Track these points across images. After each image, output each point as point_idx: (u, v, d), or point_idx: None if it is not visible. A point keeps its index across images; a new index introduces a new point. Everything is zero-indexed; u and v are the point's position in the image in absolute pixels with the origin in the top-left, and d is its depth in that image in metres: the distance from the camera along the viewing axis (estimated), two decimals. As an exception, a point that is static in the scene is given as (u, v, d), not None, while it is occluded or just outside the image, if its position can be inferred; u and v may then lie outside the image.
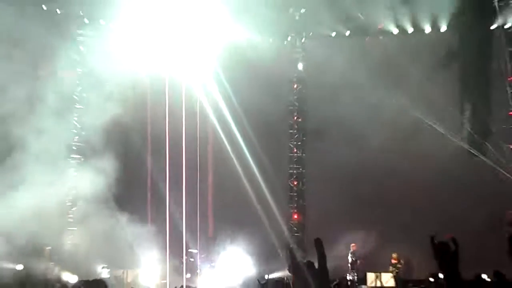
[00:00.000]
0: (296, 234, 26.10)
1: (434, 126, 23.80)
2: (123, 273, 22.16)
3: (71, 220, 23.97)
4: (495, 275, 10.76)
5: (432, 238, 6.05)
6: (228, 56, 23.27)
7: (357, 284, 22.62)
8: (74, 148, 25.33)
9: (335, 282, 18.04)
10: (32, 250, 21.48)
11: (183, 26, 20.09)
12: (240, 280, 21.12)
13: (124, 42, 22.37)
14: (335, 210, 24.16)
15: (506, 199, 22.98)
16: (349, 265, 23.27)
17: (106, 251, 22.16)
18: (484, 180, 23.01)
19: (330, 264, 15.41)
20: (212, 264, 22.19)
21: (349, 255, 23.31)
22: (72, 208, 24.25)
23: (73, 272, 21.31)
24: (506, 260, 13.82)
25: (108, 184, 22.98)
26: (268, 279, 19.71)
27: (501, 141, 23.86)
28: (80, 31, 25.20)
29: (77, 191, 24.29)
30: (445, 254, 5.63)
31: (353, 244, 23.29)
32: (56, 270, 21.82)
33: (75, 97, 25.09)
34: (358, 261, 23.31)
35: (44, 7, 24.32)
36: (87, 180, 23.83)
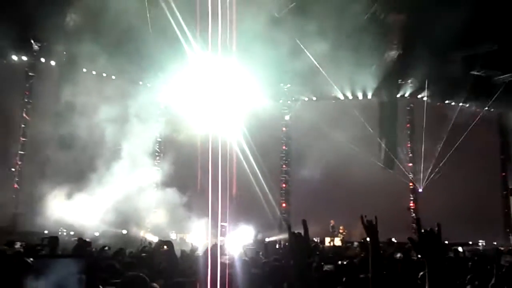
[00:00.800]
0: (283, 215, 26.85)
1: (365, 154, 24.57)
2: (183, 236, 22.54)
3: (153, 200, 24.02)
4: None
5: (362, 218, 4.75)
6: (246, 111, 23.20)
7: (321, 245, 22.25)
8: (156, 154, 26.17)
9: (312, 244, 17.56)
10: (132, 221, 22.43)
11: (222, 97, 19.80)
12: (251, 240, 20.92)
13: (188, 109, 22.32)
14: (308, 202, 24.59)
15: (401, 193, 25.53)
16: (331, 232, 23.87)
17: (173, 222, 22.83)
18: (390, 182, 24.95)
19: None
20: (235, 231, 21.07)
21: (330, 227, 23.91)
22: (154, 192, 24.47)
23: (155, 235, 20.91)
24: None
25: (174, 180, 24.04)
26: (268, 241, 20.74)
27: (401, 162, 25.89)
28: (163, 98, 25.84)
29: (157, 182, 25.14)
30: (369, 227, 4.23)
31: (332, 220, 23.97)
32: (145, 234, 22.11)
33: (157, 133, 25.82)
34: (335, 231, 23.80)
35: (140, 83, 25.32)
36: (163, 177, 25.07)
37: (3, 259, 3.23)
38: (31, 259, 3.58)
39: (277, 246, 19.65)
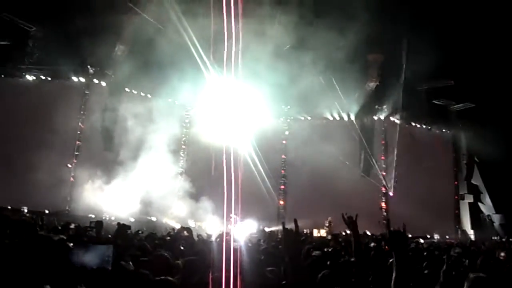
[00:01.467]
0: (281, 211, 26.27)
1: (347, 163, 24.45)
2: (200, 224, 21.79)
3: (178, 193, 24.04)
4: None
5: (343, 215, 4.82)
6: (254, 126, 22.80)
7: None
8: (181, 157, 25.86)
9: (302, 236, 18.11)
10: (159, 210, 22.21)
11: (235, 114, 17.47)
12: (254, 230, 20.81)
13: (206, 122, 22.40)
14: (302, 201, 24.61)
15: (375, 195, 25.18)
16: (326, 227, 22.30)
17: (192, 212, 22.47)
18: (367, 186, 24.78)
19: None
20: (242, 222, 19.87)
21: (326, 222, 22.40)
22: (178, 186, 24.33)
23: (177, 222, 21.05)
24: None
25: (194, 179, 23.90)
26: (269, 231, 20.52)
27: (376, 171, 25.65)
28: (187, 113, 26.30)
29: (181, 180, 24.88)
30: (350, 222, 4.43)
31: (330, 218, 22.27)
32: (170, 221, 21.98)
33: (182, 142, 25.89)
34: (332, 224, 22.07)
35: (170, 100, 24.78)
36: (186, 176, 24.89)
37: (49, 244, 3.19)
38: (72, 244, 3.59)
39: (279, 235, 19.34)
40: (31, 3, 20.41)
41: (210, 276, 3.53)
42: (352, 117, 26.10)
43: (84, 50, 20.50)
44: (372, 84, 24.89)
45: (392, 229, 3.14)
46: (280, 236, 14.94)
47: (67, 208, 21.32)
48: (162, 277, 3.45)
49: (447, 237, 23.21)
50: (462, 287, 3.51)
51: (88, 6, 19.14)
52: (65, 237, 3.66)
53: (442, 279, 4.45)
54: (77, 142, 22.39)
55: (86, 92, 22.95)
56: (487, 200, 25.46)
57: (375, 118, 25.93)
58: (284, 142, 27.25)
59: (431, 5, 19.80)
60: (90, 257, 3.56)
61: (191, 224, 21.41)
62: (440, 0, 19.85)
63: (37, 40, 22.64)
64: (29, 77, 22.45)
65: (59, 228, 9.53)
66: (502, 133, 21.23)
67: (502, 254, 7.56)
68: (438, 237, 22.82)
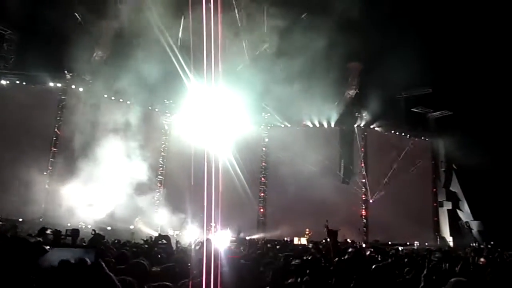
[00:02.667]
0: (261, 218, 26.19)
1: (327, 170, 24.72)
2: (180, 232, 21.26)
3: (157, 201, 24.14)
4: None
5: (326, 226, 5.24)
6: (235, 134, 22.89)
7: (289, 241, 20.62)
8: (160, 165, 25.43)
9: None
10: (137, 218, 21.80)
11: (215, 122, 18.83)
12: (233, 238, 19.60)
13: (187, 127, 22.17)
14: (281, 208, 24.84)
15: (355, 202, 25.32)
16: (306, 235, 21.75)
17: (171, 220, 22.41)
18: (347, 193, 24.93)
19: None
20: (222, 230, 19.00)
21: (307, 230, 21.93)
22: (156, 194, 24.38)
23: (156, 231, 20.49)
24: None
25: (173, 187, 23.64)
26: (249, 239, 19.65)
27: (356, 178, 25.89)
28: (166, 121, 25.84)
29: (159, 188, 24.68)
30: (331, 233, 4.79)
31: (308, 229, 21.97)
32: (148, 230, 21.26)
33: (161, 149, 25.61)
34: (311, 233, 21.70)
35: (150, 108, 24.93)
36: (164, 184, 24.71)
37: (25, 246, 3.10)
38: (48, 247, 3.46)
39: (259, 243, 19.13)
40: (5, 6, 19.92)
41: (191, 282, 3.45)
42: (332, 124, 26.34)
43: (61, 55, 20.18)
44: (351, 92, 25.22)
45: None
46: (259, 244, 15.02)
47: (41, 216, 20.71)
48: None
49: (426, 244, 23.45)
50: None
51: (66, 10, 19.05)
52: (41, 240, 3.53)
53: (423, 283, 4.51)
54: (53, 149, 21.91)
55: (63, 97, 22.52)
56: (465, 207, 25.81)
57: (355, 125, 26.15)
58: (264, 149, 27.28)
59: (410, 15, 20.25)
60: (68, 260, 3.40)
61: (170, 232, 20.51)
62: (419, 10, 20.31)
63: (13, 44, 22.20)
64: (3, 82, 21.85)
65: (33, 235, 9.24)
66: (479, 140, 21.59)
67: (482, 259, 7.64)
68: (418, 244, 23.03)
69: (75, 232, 7.94)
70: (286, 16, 21.25)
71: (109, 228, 19.49)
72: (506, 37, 20.19)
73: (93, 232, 9.92)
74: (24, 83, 21.93)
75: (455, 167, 26.47)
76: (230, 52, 18.42)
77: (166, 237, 10.13)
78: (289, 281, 4.26)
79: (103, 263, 3.23)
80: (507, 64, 20.19)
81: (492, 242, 19.54)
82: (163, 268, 4.68)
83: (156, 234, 16.31)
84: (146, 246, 9.70)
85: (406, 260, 7.81)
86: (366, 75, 24.07)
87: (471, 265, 6.75)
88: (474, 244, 22.39)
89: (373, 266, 5.03)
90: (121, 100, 23.84)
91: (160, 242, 9.29)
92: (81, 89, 22.65)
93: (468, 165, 22.74)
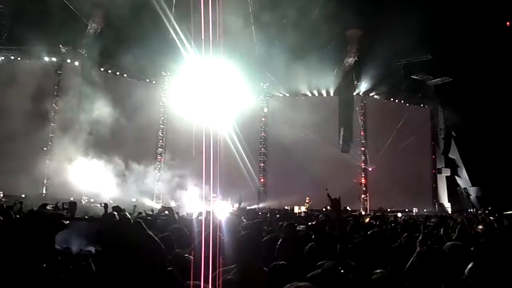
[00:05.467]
0: (261, 188, 26.25)
1: (326, 139, 24.66)
2: (182, 203, 21.21)
3: (158, 174, 24.37)
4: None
5: (328, 195, 4.23)
6: (233, 105, 22.30)
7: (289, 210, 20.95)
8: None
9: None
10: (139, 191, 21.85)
11: (213, 93, 19.55)
12: (235, 207, 20.42)
13: (185, 99, 21.94)
14: (281, 178, 25.21)
15: (354, 171, 25.50)
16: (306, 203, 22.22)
17: (173, 192, 22.55)
18: (346, 162, 25.05)
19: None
20: (223, 201, 20.94)
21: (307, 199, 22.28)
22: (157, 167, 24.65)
23: (158, 203, 21.69)
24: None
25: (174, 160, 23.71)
26: (249, 208, 20.71)
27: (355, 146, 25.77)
28: (164, 93, 25.54)
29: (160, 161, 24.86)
30: (334, 202, 4.00)
31: (308, 198, 22.25)
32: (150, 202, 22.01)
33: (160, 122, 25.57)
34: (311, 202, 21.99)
35: (147, 80, 24.94)
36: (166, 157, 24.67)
37: (43, 219, 3.20)
38: (67, 221, 3.59)
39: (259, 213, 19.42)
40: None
41: (192, 251, 3.57)
42: (331, 93, 26.29)
43: (55, 29, 19.87)
44: (350, 60, 24.96)
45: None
46: (261, 214, 14.95)
47: (43, 191, 21.04)
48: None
49: (424, 210, 23.78)
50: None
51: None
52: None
53: (418, 248, 4.59)
54: (52, 124, 21.92)
55: (59, 72, 22.35)
56: (464, 173, 25.96)
57: (354, 93, 26.05)
58: (263, 119, 27.30)
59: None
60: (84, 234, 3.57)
61: (172, 204, 21.34)
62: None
63: (5, 19, 21.79)
64: (-2, 58, 21.67)
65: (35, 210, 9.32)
66: (479, 107, 21.54)
67: (480, 227, 7.59)
68: (417, 211, 23.35)
69: (72, 205, 7.99)
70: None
71: (111, 201, 19.46)
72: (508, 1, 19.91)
73: (102, 204, 9.97)
74: (19, 58, 21.68)
75: (454, 134, 26.46)
76: (229, 21, 18.04)
77: (169, 209, 10.37)
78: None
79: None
80: (509, 28, 19.97)
81: (489, 208, 19.88)
82: (160, 237, 4.79)
83: (159, 207, 16.76)
84: (149, 218, 9.87)
85: (402, 226, 7.88)
86: (365, 43, 23.73)
87: (468, 231, 6.69)
88: (472, 210, 22.74)
89: (369, 232, 5.27)
90: (117, 73, 23.73)
91: (163, 214, 9.41)
92: (76, 63, 22.44)
93: (467, 132, 22.96)
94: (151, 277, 3.03)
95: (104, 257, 3.20)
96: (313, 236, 5.25)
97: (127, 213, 5.75)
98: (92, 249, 3.57)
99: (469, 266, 2.84)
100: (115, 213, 5.42)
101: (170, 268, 3.28)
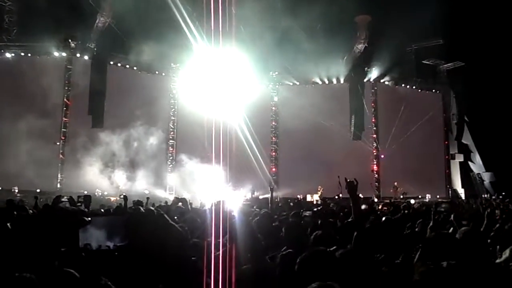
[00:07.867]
0: (273, 178, 26.08)
1: (338, 127, 24.64)
2: (195, 194, 20.12)
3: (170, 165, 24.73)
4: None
5: (345, 178, 4.21)
6: (243, 94, 21.60)
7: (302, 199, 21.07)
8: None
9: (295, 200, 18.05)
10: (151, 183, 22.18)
11: (224, 82, 18.58)
12: (248, 197, 21.03)
13: (195, 90, 21.62)
14: (293, 167, 25.01)
15: (367, 158, 25.43)
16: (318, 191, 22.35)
17: (185, 183, 22.13)
18: (358, 149, 24.86)
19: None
20: (236, 191, 20.84)
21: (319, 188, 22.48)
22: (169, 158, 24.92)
23: (171, 194, 21.56)
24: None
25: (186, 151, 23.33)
26: (262, 198, 20.06)
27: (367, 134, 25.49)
28: (173, 84, 25.57)
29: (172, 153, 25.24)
30: (351, 185, 4.00)
31: (320, 186, 22.41)
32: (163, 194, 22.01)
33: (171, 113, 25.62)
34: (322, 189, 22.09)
35: (157, 72, 24.99)
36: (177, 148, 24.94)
37: (66, 215, 3.29)
38: (89, 218, 3.69)
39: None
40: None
41: (205, 242, 3.64)
42: (342, 81, 26.18)
43: (64, 24, 20.05)
44: (360, 46, 24.77)
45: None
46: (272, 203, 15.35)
47: (58, 186, 21.28)
48: None
49: (437, 196, 23.69)
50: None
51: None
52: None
53: (429, 234, 4.62)
54: (64, 119, 22.17)
55: (69, 67, 22.50)
56: (477, 158, 25.76)
57: (365, 80, 25.84)
58: (273, 108, 27.31)
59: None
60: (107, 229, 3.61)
61: (186, 195, 20.65)
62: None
63: (14, 15, 21.88)
64: (8, 55, 21.79)
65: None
66: (492, 92, 21.33)
67: (497, 211, 7.54)
68: (430, 197, 23.28)
69: (87, 198, 8.11)
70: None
71: (124, 194, 19.69)
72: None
73: (122, 196, 10.08)
74: (29, 55, 21.88)
75: (467, 119, 26.20)
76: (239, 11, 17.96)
77: (183, 200, 10.44)
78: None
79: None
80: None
81: (503, 193, 19.73)
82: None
83: (172, 198, 17.22)
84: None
85: (413, 214, 7.90)
86: (375, 28, 23.51)
87: (482, 217, 6.79)
88: (485, 196, 22.61)
89: (383, 219, 5.33)
90: (127, 66, 23.84)
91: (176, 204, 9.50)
92: (86, 57, 22.63)
93: (480, 117, 22.72)
94: (180, 268, 3.11)
95: (133, 250, 3.25)
96: (319, 222, 5.34)
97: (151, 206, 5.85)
98: (110, 244, 3.61)
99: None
100: (140, 207, 5.54)
101: (194, 258, 3.35)
